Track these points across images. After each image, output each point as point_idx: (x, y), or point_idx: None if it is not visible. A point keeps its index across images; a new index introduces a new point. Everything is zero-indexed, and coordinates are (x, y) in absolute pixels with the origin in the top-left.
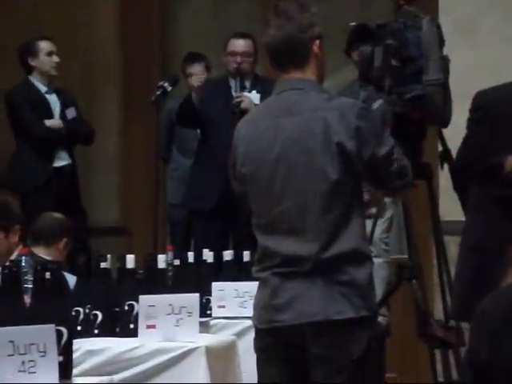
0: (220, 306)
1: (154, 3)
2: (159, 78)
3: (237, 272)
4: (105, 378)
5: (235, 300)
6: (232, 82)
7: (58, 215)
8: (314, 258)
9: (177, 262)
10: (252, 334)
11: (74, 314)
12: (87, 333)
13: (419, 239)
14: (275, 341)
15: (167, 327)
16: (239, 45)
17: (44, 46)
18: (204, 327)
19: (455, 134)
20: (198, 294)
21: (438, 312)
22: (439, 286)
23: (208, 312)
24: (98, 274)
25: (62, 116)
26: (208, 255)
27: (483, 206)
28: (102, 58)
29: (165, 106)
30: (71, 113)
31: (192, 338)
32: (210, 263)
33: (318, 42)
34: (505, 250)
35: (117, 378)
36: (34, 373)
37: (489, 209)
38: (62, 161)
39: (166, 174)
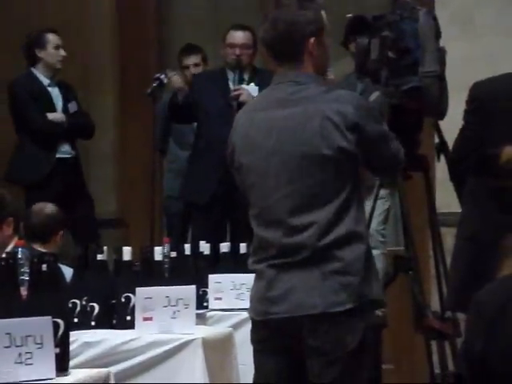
0: (217, 298)
1: None
2: (156, 71)
3: (233, 264)
4: (102, 370)
5: (232, 292)
6: (230, 74)
7: (50, 209)
8: (313, 245)
9: (173, 254)
10: (249, 326)
11: (70, 305)
12: (84, 325)
13: (416, 231)
14: (271, 333)
15: (164, 319)
16: (238, 37)
17: (52, 38)
18: (201, 319)
19: (452, 125)
20: (194, 286)
21: (435, 303)
22: (435, 278)
23: (205, 304)
24: (95, 266)
25: (65, 109)
26: (205, 247)
27: (479, 197)
28: (98, 51)
29: (161, 98)
30: (73, 107)
31: (189, 330)
32: (207, 255)
33: (312, 39)
34: (501, 241)
35: (114, 369)
36: (31, 364)
37: (485, 200)
38: (65, 154)
39: (163, 166)
